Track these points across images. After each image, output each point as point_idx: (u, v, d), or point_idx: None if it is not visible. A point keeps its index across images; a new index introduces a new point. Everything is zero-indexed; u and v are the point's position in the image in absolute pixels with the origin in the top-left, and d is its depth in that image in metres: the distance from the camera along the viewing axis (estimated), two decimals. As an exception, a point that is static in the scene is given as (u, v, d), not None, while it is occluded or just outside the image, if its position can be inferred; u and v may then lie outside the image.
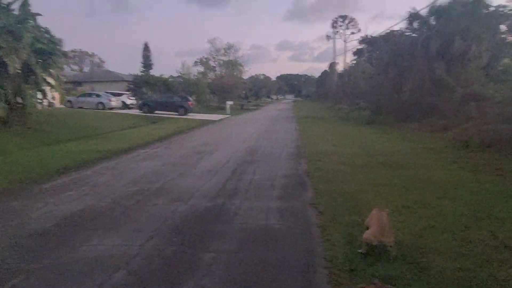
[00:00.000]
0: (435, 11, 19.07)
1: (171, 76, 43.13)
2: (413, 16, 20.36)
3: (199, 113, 33.40)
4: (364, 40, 53.67)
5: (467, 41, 17.86)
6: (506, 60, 23.32)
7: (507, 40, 22.90)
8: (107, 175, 8.10)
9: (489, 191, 6.49)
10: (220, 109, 40.40)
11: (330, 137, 14.34)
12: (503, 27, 23.64)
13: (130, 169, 8.71)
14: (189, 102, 29.30)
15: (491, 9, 20.76)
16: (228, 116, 30.88)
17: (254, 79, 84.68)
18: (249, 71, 66.97)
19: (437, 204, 5.78)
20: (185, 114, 28.99)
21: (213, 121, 24.43)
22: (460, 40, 17.74)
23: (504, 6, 36.57)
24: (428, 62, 18.78)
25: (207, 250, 4.18)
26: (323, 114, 32.92)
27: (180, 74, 41.79)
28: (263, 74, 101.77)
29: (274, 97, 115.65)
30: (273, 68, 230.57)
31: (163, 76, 42.14)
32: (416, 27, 20.57)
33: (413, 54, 19.51)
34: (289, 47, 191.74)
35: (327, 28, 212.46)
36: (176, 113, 28.85)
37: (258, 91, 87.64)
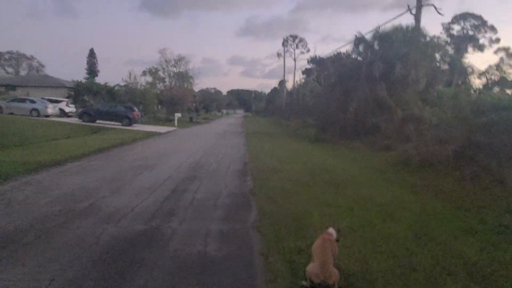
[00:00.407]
0: (378, 36, 20.04)
1: (118, 85, 41.23)
2: (359, 40, 21.24)
3: (145, 124, 32.11)
4: (313, 60, 55.65)
5: (407, 67, 18.89)
6: (440, 87, 25.15)
7: (440, 68, 24.71)
8: (28, 191, 7.15)
9: (429, 212, 6.56)
10: (168, 121, 39.25)
11: (278, 154, 14.20)
12: (437, 56, 25.55)
13: (57, 184, 7.79)
14: (134, 113, 28.03)
15: (427, 39, 22.33)
16: (175, 128, 29.96)
17: (204, 92, 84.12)
18: (200, 84, 66.30)
19: (382, 226, 5.69)
20: (130, 125, 27.66)
21: (159, 134, 23.47)
22: (401, 65, 18.72)
23: (438, 37, 39.60)
24: (372, 84, 19.57)
25: (130, 286, 3.61)
26: (272, 130, 33.13)
27: (126, 83, 40.04)
28: (214, 88, 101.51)
29: (224, 111, 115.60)
30: (225, 82, 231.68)
31: (108, 84, 40.17)
32: (361, 50, 21.46)
33: (358, 76, 20.26)
34: (241, 63, 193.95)
35: (278, 46, 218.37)
36: (120, 124, 27.43)
37: (209, 104, 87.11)
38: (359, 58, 22.26)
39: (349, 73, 21.18)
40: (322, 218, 5.93)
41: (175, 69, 57.61)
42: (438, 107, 19.13)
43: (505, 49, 49.14)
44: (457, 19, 49.03)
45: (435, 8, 27.08)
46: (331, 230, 3.87)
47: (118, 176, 8.89)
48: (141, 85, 41.51)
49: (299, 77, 62.72)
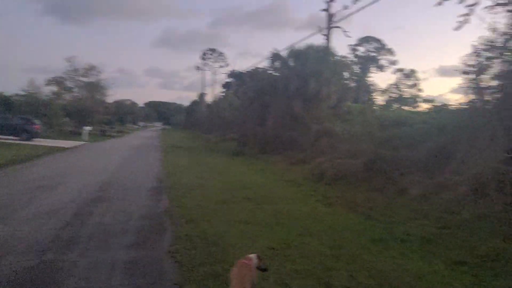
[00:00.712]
0: (293, 54, 20.95)
1: (17, 95, 36.68)
2: (275, 56, 21.99)
3: (50, 138, 29.01)
4: (232, 74, 56.33)
5: (320, 83, 20.01)
6: (349, 103, 27.21)
7: (349, 86, 26.73)
8: None
9: (343, 225, 6.77)
10: (77, 134, 36.06)
11: (197, 169, 13.78)
12: (346, 74, 27.64)
13: None
14: (36, 126, 25.14)
15: (337, 57, 24.06)
16: (84, 143, 27.59)
17: (119, 104, 79.50)
18: (115, 95, 62.33)
19: (300, 242, 5.66)
20: (30, 139, 24.68)
21: (64, 149, 21.31)
22: (314, 81, 19.76)
23: (346, 57, 42.93)
24: (288, 99, 20.31)
25: None
26: (191, 143, 32.42)
27: (26, 93, 35.89)
28: (130, 100, 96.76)
29: (141, 124, 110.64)
30: (142, 94, 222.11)
31: (3, 94, 35.56)
32: (277, 66, 22.21)
33: (275, 91, 20.88)
34: (159, 74, 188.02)
35: (197, 59, 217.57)
36: (18, 138, 24.34)
37: (124, 117, 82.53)
38: (275, 73, 23.03)
39: (266, 88, 21.73)
40: (241, 238, 5.72)
41: (85, 79, 53.51)
42: (348, 122, 20.59)
43: (401, 70, 55.41)
44: (361, 41, 54.03)
45: (343, 30, 29.44)
46: (251, 256, 3.65)
47: (9, 201, 7.65)
48: (45, 95, 37.47)
49: (219, 90, 62.89)
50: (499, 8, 8.71)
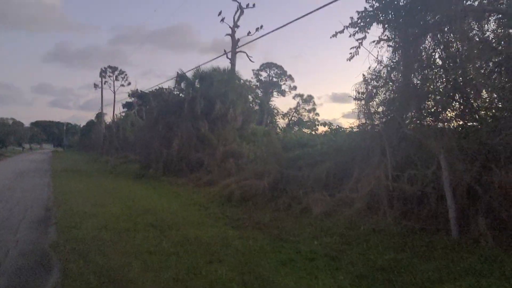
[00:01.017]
0: (199, 75, 20.88)
1: None
2: (181, 77, 21.63)
3: None
4: (134, 93, 53.93)
5: (226, 105, 20.20)
6: (253, 125, 28.07)
7: (253, 108, 27.61)
8: None
9: (252, 247, 6.66)
10: None
11: (92, 195, 12.46)
12: (250, 97, 28.51)
13: None
14: None
15: (242, 81, 24.76)
16: (-50, 168, 23.19)
17: (-2, 123, 69.62)
18: (-8, 113, 54.12)
19: (208, 270, 5.36)
20: None
21: None
22: (220, 103, 19.88)
23: (249, 81, 44.59)
24: (194, 120, 20.01)
25: None
26: (86, 167, 29.62)
27: None
28: (13, 119, 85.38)
29: (27, 146, 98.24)
30: (28, 112, 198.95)
31: None
32: (183, 87, 21.87)
33: (180, 112, 20.41)
34: (49, 91, 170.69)
35: (95, 76, 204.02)
36: None
37: (5, 138, 72.42)
38: (181, 94, 22.62)
39: (172, 108, 21.13)
40: (144, 271, 5.18)
41: (-46, 92, 45.71)
42: (253, 143, 21.09)
43: (300, 96, 59.58)
44: (264, 67, 56.90)
45: (247, 55, 30.47)
46: None
47: None
48: None
49: (119, 110, 59.37)
50: (383, 43, 9.86)
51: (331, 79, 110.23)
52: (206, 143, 20.04)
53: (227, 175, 16.29)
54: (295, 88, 58.73)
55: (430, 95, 8.59)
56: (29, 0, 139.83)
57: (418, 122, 7.57)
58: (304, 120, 60.70)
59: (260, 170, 12.84)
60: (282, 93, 60.44)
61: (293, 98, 60.24)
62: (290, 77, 58.29)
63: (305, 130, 47.76)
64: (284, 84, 58.34)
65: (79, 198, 11.68)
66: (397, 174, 7.32)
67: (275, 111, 59.60)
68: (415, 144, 7.50)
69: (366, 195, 7.86)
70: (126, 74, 56.13)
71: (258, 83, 56.75)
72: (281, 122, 59.04)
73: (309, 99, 60.04)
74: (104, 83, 54.50)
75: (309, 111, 60.66)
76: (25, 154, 62.05)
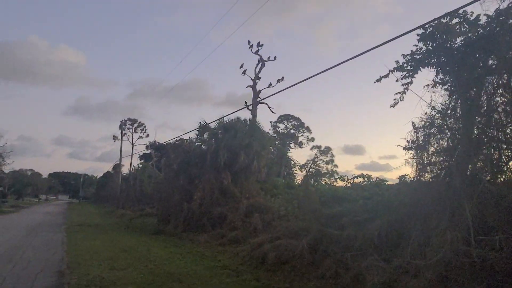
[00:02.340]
0: (223, 126, 20.31)
1: None
2: (203, 128, 21.11)
3: None
4: (152, 145, 54.08)
5: (250, 157, 19.34)
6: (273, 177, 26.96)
7: (275, 160, 26.72)
8: None
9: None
10: (-44, 210, 29.76)
11: (110, 255, 11.26)
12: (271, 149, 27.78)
13: None
14: None
15: (264, 132, 24.12)
16: (-37, 221, 22.43)
17: (17, 174, 70.25)
18: (12, 164, 54.48)
19: None
20: None
21: None
22: (244, 155, 19.04)
23: (268, 133, 44.21)
24: (217, 172, 19.10)
25: None
26: (103, 220, 28.54)
27: None
28: (32, 170, 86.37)
29: (43, 197, 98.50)
30: (47, 164, 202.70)
31: None
32: (205, 138, 21.27)
33: (203, 163, 19.61)
34: (68, 143, 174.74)
35: (112, 129, 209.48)
36: None
37: (22, 189, 72.81)
38: (203, 146, 21.97)
39: (193, 160, 20.37)
40: None
41: (-23, 144, 46.49)
42: (276, 196, 19.89)
43: (318, 147, 58.74)
44: (281, 119, 56.87)
45: (268, 106, 30.31)
46: None
47: None
48: None
49: (137, 162, 59.30)
50: (432, 87, 9.02)
51: (343, 131, 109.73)
52: (228, 196, 18.93)
53: (253, 232, 15.01)
54: (312, 139, 58.10)
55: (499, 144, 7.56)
56: (56, 58, 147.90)
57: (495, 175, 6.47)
58: (322, 172, 59.31)
59: (295, 227, 11.54)
60: (300, 144, 59.75)
61: (311, 149, 59.45)
62: (308, 129, 57.97)
63: (339, 183, 46.37)
64: (302, 135, 57.84)
65: (95, 259, 10.49)
66: (481, 238, 6.04)
67: (292, 162, 58.59)
68: (494, 201, 6.31)
69: (437, 263, 6.52)
70: (145, 126, 56.69)
71: (275, 135, 56.42)
72: (299, 174, 57.78)
73: (326, 150, 59.11)
74: (124, 135, 54.90)
75: (327, 162, 59.44)
76: (41, 206, 61.63)
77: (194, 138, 23.19)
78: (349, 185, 13.47)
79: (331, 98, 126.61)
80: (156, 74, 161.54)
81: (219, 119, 20.84)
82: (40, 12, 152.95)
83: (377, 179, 11.98)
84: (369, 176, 11.95)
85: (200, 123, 21.03)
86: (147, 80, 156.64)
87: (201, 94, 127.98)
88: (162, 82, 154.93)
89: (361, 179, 12.37)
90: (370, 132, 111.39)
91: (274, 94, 19.92)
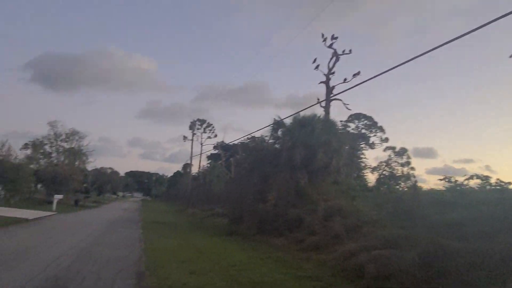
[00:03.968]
0: (298, 122, 19.00)
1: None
2: (278, 125, 20.00)
3: (13, 207, 25.27)
4: (219, 145, 54.53)
5: (329, 155, 17.82)
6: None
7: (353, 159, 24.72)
8: None
9: None
10: (48, 203, 32.18)
11: (187, 257, 10.53)
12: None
13: None
14: (-6, 192, 21.58)
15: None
16: (52, 214, 23.85)
17: (99, 172, 75.66)
18: (96, 162, 58.93)
19: None
20: (-15, 208, 21.05)
21: (24, 222, 17.71)
22: (323, 153, 17.57)
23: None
24: (292, 171, 17.86)
25: None
26: (174, 218, 28.84)
27: (-4, 156, 32.53)
28: (111, 168, 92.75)
29: (120, 194, 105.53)
30: (122, 163, 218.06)
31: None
32: (279, 135, 20.13)
33: (277, 162, 18.48)
34: (140, 145, 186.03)
35: (179, 131, 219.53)
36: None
37: (102, 185, 78.26)
38: (276, 143, 20.87)
39: (267, 158, 19.33)
40: None
41: (66, 144, 50.62)
42: (356, 199, 18.09)
43: (392, 148, 54.72)
44: (352, 118, 53.90)
45: (343, 103, 28.32)
46: None
47: None
48: (15, 157, 34.03)
49: (205, 162, 60.40)
50: None
51: (411, 132, 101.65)
52: (304, 198, 17.57)
53: (335, 238, 13.48)
54: (386, 140, 54.18)
55: None
56: (130, 66, 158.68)
57: None
58: (397, 174, 55.11)
59: (393, 236, 9.87)
60: (371, 145, 56.19)
61: (384, 150, 55.50)
62: (381, 129, 54.21)
63: (422, 186, 42.72)
64: (375, 135, 54.24)
65: (173, 260, 9.79)
66: None
67: (363, 164, 55.28)
68: None
69: None
70: (213, 127, 57.47)
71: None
72: (370, 177, 54.27)
73: (402, 152, 54.83)
74: (193, 135, 56.16)
75: (402, 165, 55.11)
76: (118, 202, 65.66)
77: (265, 136, 22.23)
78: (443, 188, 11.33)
79: (397, 97, 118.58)
80: (219, 77, 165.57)
81: (293, 114, 19.62)
82: (117, 23, 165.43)
83: (498, 181, 9.80)
84: (487, 178, 9.81)
85: (274, 119, 19.98)
86: (211, 84, 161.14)
87: (262, 96, 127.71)
88: (225, 85, 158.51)
89: (477, 181, 10.26)
90: (442, 133, 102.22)
91: (350, 88, 18.02)
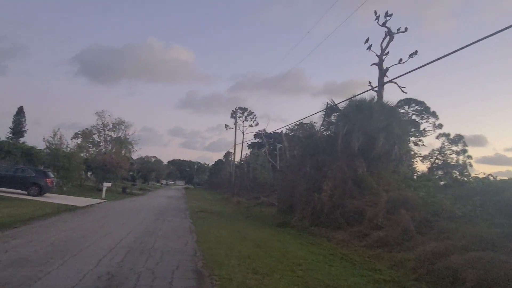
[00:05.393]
0: (355, 106, 17.44)
1: (47, 148, 34.42)
2: (331, 109, 18.56)
3: (65, 194, 25.86)
4: (264, 133, 53.50)
5: (390, 141, 16.19)
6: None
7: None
8: None
9: None
10: (98, 190, 32.96)
11: (245, 252, 9.59)
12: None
13: None
14: (48, 179, 21.99)
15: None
16: (102, 201, 24.07)
17: (143, 160, 77.63)
18: (140, 151, 60.18)
19: None
20: (40, 194, 21.50)
21: (76, 208, 17.73)
22: (384, 139, 15.96)
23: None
24: (349, 159, 16.44)
25: None
26: (220, 207, 28.33)
27: (48, 144, 33.61)
28: (155, 157, 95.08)
29: (164, 182, 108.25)
30: (164, 152, 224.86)
31: (25, 144, 33.49)
32: (333, 120, 18.69)
33: (332, 149, 17.12)
34: (181, 134, 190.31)
35: (217, 120, 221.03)
36: (26, 192, 21.19)
37: (147, 174, 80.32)
38: (329, 129, 19.45)
39: (320, 145, 18.02)
40: None
41: (113, 133, 51.93)
42: (414, 189, 16.38)
43: (446, 135, 51.01)
44: (402, 103, 50.69)
45: (398, 86, 26.05)
46: None
47: None
48: (66, 146, 35.02)
49: (246, 151, 59.73)
50: None
51: (459, 119, 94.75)
52: (363, 188, 16.11)
53: (404, 233, 12.02)
54: (440, 126, 50.47)
55: None
56: (168, 57, 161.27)
57: None
58: (452, 163, 51.38)
59: (489, 235, 8.32)
60: (421, 133, 52.66)
61: (437, 138, 51.77)
62: (434, 114, 50.53)
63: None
64: (427, 121, 50.67)
65: (231, 256, 8.88)
66: None
67: (412, 152, 52.02)
68: None
69: None
70: (255, 115, 56.51)
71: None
72: (420, 166, 50.98)
73: (457, 139, 50.95)
74: (235, 123, 55.58)
75: (457, 153, 51.26)
76: (162, 190, 66.99)
77: (314, 123, 20.87)
78: None
79: (445, 81, 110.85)
80: (256, 67, 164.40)
81: (349, 98, 18.05)
82: (158, 15, 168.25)
83: None
84: None
85: (327, 103, 18.58)
86: (247, 73, 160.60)
87: (299, 84, 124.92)
88: (261, 74, 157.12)
89: None
90: (493, 120, 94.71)
91: (409, 72, 15.91)
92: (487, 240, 8.07)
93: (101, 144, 51.23)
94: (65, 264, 6.82)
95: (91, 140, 49.17)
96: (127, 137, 52.14)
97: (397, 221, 12.83)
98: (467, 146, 51.04)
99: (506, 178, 16.95)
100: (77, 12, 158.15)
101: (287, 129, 38.55)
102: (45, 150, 34.57)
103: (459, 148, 51.03)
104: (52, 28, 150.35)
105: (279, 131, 44.70)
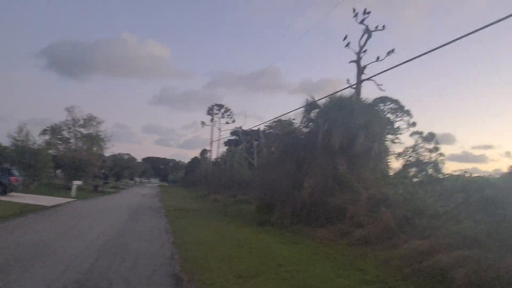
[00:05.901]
0: (335, 102, 17.28)
1: (13, 144, 32.54)
2: (311, 105, 18.31)
3: (32, 193, 24.47)
4: (242, 131, 53.07)
5: (370, 139, 16.10)
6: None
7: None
8: None
9: None
10: (67, 189, 31.49)
11: (225, 252, 9.14)
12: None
13: None
14: (12, 178, 20.70)
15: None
16: (71, 200, 22.92)
17: (116, 158, 75.42)
18: (112, 148, 58.32)
19: None
20: (4, 193, 20.21)
21: (44, 208, 16.70)
22: (364, 137, 15.85)
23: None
24: (330, 156, 16.25)
25: None
26: (197, 205, 27.67)
27: (14, 141, 31.83)
28: (128, 154, 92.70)
29: (138, 179, 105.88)
30: (138, 149, 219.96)
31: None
32: (313, 117, 18.44)
33: (312, 146, 16.87)
34: (155, 131, 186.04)
35: (193, 117, 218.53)
36: (-11, 192, 19.88)
37: (120, 171, 78.15)
38: (308, 126, 19.20)
39: (300, 142, 17.74)
40: None
41: (83, 130, 49.93)
42: (392, 186, 16.48)
43: (419, 133, 52.11)
44: (377, 101, 51.34)
45: (376, 83, 26.18)
46: None
47: None
48: (33, 143, 33.29)
49: (222, 148, 59.05)
50: None
51: (428, 117, 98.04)
52: (344, 186, 15.98)
53: (385, 231, 11.94)
54: (413, 124, 51.50)
55: None
56: (142, 53, 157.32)
57: None
58: (424, 161, 52.62)
59: (473, 233, 8.23)
60: (395, 131, 53.64)
61: (410, 135, 52.84)
62: (408, 113, 51.51)
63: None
64: (401, 120, 51.59)
65: (211, 257, 8.40)
66: None
67: (389, 151, 52.84)
68: None
69: None
70: (231, 112, 56.02)
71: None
72: (395, 163, 51.87)
73: (430, 137, 52.19)
74: (211, 120, 54.87)
75: (430, 150, 52.53)
76: (137, 187, 65.30)
77: (293, 119, 20.63)
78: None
79: (415, 80, 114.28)
80: (232, 64, 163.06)
81: (330, 95, 17.89)
82: (131, 9, 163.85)
83: None
84: None
85: (307, 99, 18.31)
86: (224, 70, 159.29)
87: (276, 82, 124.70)
88: (238, 71, 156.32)
89: None
90: (461, 119, 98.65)
91: (387, 70, 15.70)
92: (471, 238, 7.97)
93: (71, 140, 49.17)
94: (27, 271, 6.15)
95: (60, 136, 47.16)
96: (99, 133, 50.36)
97: (378, 219, 12.72)
98: (439, 144, 52.39)
99: (477, 175, 17.23)
100: (45, 4, 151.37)
101: (264, 126, 38.25)
102: (10, 147, 32.74)
103: (431, 146, 52.31)
104: (18, 19, 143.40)
105: (256, 128, 44.47)
